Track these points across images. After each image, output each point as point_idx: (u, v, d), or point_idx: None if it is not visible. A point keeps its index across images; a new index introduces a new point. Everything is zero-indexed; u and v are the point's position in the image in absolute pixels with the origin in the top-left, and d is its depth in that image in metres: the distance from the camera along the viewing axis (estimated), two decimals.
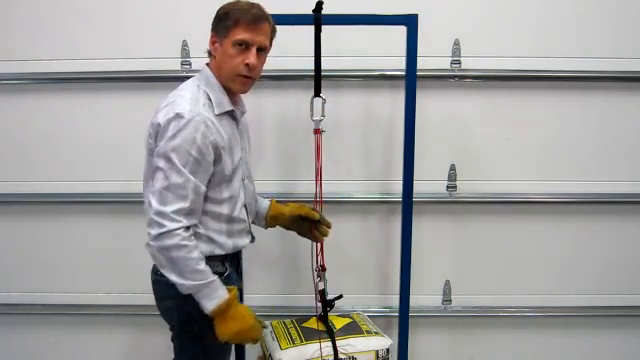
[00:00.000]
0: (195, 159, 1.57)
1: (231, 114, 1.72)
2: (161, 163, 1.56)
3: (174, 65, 2.31)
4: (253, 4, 1.67)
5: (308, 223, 1.96)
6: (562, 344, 2.55)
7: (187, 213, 1.58)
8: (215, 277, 1.63)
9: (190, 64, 2.30)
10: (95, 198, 2.42)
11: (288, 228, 2.00)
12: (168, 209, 1.55)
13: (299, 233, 2.01)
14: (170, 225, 1.55)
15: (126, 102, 2.35)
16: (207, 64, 1.73)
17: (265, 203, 2.00)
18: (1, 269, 2.52)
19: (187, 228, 1.58)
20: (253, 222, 1.94)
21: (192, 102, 1.60)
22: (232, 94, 1.73)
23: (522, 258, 2.47)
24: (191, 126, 1.55)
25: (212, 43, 1.67)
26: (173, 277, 1.59)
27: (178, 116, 1.55)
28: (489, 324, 2.52)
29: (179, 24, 2.30)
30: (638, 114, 2.37)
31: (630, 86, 2.35)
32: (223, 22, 1.64)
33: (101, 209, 2.45)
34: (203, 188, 1.61)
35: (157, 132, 1.59)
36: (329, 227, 1.96)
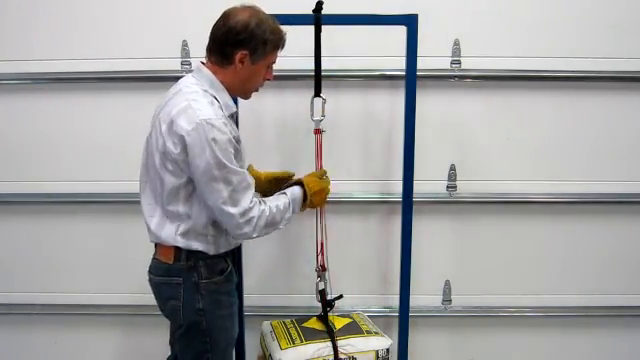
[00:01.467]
0: (234, 153, 1.63)
1: (234, 115, 1.76)
2: (214, 172, 1.58)
3: (174, 65, 2.31)
4: (275, 20, 1.69)
5: (280, 183, 1.99)
6: (562, 344, 2.55)
7: (254, 194, 1.68)
8: (287, 194, 1.79)
9: (190, 64, 2.30)
10: (95, 198, 2.42)
11: (264, 193, 1.98)
12: (245, 205, 1.64)
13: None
14: (255, 213, 1.66)
15: (126, 102, 2.35)
16: (202, 63, 1.72)
17: None
18: (1, 269, 2.52)
19: (259, 202, 1.70)
20: None
21: (210, 106, 1.61)
22: (231, 94, 1.74)
23: (522, 258, 2.47)
24: (221, 127, 1.59)
25: (240, 59, 1.65)
26: (278, 228, 1.76)
27: (207, 122, 1.57)
28: (489, 324, 2.52)
29: (179, 24, 2.30)
30: (638, 114, 2.37)
31: (630, 86, 2.35)
32: (264, 46, 1.65)
33: (101, 209, 2.45)
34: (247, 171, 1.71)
35: (183, 142, 1.58)
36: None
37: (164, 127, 1.62)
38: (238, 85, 1.72)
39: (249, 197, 1.65)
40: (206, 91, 1.66)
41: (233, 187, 1.61)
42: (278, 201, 1.76)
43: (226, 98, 1.70)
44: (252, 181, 1.69)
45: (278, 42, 1.69)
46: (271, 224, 1.72)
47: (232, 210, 1.62)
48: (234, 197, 1.62)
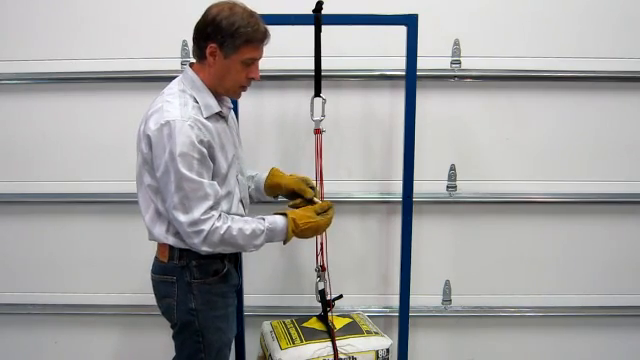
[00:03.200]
0: (198, 160, 1.58)
1: (219, 114, 1.72)
2: (169, 175, 1.56)
3: (174, 65, 2.31)
4: (253, 14, 1.64)
5: (295, 196, 1.90)
6: (562, 344, 2.55)
7: (212, 207, 1.61)
8: (264, 221, 1.70)
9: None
10: (95, 198, 2.42)
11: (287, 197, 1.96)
12: (196, 215, 1.58)
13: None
14: (206, 226, 1.59)
15: (126, 102, 2.35)
16: (190, 65, 1.72)
17: (263, 175, 1.98)
18: (1, 269, 2.52)
19: (219, 216, 1.63)
20: (258, 200, 1.98)
21: (180, 107, 1.60)
22: (217, 94, 1.72)
23: (522, 258, 2.47)
24: (185, 130, 1.56)
25: (210, 53, 1.63)
26: (246, 251, 1.71)
27: (169, 123, 1.56)
28: (489, 324, 2.52)
29: (179, 24, 2.29)
30: (637, 114, 2.37)
31: (630, 86, 2.35)
32: (232, 39, 1.61)
33: (101, 209, 2.45)
34: (214, 182, 1.64)
35: (150, 142, 1.59)
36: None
37: (141, 127, 1.64)
38: (216, 81, 1.68)
39: (202, 208, 1.58)
40: (184, 91, 1.65)
41: (185, 194, 1.56)
42: (248, 224, 1.67)
43: (207, 98, 1.67)
44: (212, 192, 1.61)
45: (251, 35, 1.61)
46: (230, 244, 1.64)
47: (181, 217, 1.58)
48: (185, 204, 1.57)
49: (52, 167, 2.41)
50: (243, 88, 1.73)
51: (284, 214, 1.76)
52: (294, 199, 1.90)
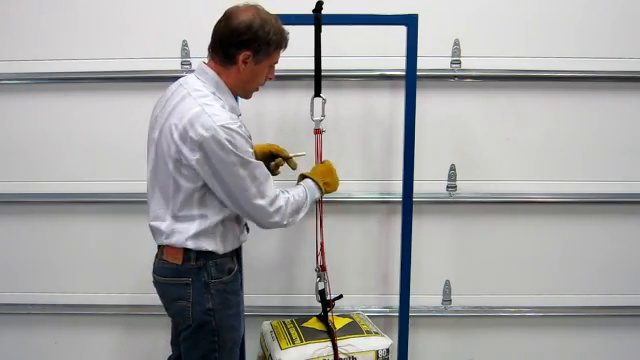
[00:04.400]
0: (253, 153, 1.67)
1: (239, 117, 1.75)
2: (239, 173, 1.61)
3: (174, 65, 2.31)
4: (277, 18, 1.68)
5: (272, 159, 2.03)
6: (562, 344, 2.55)
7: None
8: (300, 185, 1.86)
9: (190, 64, 2.30)
10: (95, 198, 2.42)
11: None
12: (271, 194, 1.70)
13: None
14: (281, 201, 1.73)
15: (126, 102, 2.35)
16: (205, 63, 1.70)
17: None
18: (1, 269, 2.52)
19: (281, 191, 1.76)
20: None
21: (223, 110, 1.62)
22: (234, 95, 1.75)
23: (522, 258, 2.48)
24: (238, 130, 1.60)
25: (243, 60, 1.64)
26: (303, 214, 1.82)
27: (224, 127, 1.57)
28: (489, 324, 2.52)
29: (179, 24, 2.30)
30: (637, 114, 2.37)
31: (630, 86, 2.35)
32: (267, 47, 1.65)
33: (101, 209, 2.45)
34: None
35: (202, 147, 1.57)
36: (294, 167, 2.03)
37: (176, 134, 1.59)
38: (240, 85, 1.72)
39: (272, 186, 1.70)
40: (214, 94, 1.66)
41: (259, 181, 1.65)
42: (297, 189, 1.82)
43: (231, 101, 1.70)
44: (268, 173, 1.73)
45: (281, 42, 1.69)
46: (296, 211, 1.78)
47: (261, 202, 1.67)
48: (261, 189, 1.66)
49: (52, 167, 2.41)
50: (258, 89, 1.78)
51: (300, 177, 1.91)
52: (268, 167, 1.97)
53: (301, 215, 1.81)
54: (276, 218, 1.71)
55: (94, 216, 2.46)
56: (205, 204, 1.66)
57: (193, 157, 1.58)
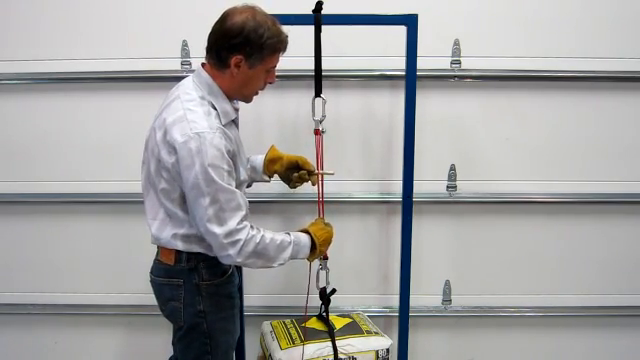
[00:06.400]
0: (227, 172, 1.57)
1: (235, 120, 1.73)
2: (201, 189, 1.53)
3: (174, 65, 2.31)
4: (275, 21, 1.63)
5: (297, 170, 1.96)
6: (561, 344, 2.55)
7: (244, 217, 1.61)
8: (290, 235, 1.72)
9: (190, 64, 2.30)
10: (95, 198, 2.42)
11: (283, 175, 1.99)
12: (232, 225, 1.57)
13: (286, 180, 2.01)
14: (242, 236, 1.58)
15: (126, 102, 2.35)
16: (202, 65, 1.68)
17: (259, 156, 2.00)
18: (1, 269, 2.52)
19: (251, 226, 1.63)
20: (254, 180, 1.99)
21: (205, 116, 1.57)
22: (231, 98, 1.71)
23: (522, 258, 2.48)
24: (215, 142, 1.53)
25: (236, 64, 1.60)
26: (272, 265, 1.68)
27: (199, 136, 1.52)
28: (489, 324, 2.52)
29: (179, 24, 2.30)
30: (637, 114, 2.37)
31: (630, 86, 2.35)
32: (260, 51, 1.59)
33: (101, 209, 2.45)
34: (242, 193, 1.65)
35: (176, 152, 1.55)
36: (314, 184, 1.95)
37: (159, 135, 1.59)
38: (236, 90, 1.67)
39: (237, 218, 1.57)
40: (203, 98, 1.61)
41: (220, 205, 1.54)
42: (277, 235, 1.68)
43: (225, 105, 1.65)
44: (244, 202, 1.62)
45: (277, 46, 1.62)
46: (261, 255, 1.63)
47: (216, 229, 1.55)
48: (220, 216, 1.55)
49: (53, 167, 2.41)
50: (257, 93, 1.74)
51: (304, 230, 1.78)
52: (289, 177, 1.95)
53: (271, 265, 1.67)
54: (230, 251, 1.57)
55: (94, 216, 2.46)
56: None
57: (170, 160, 1.57)
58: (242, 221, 1.59)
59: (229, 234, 1.56)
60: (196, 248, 1.67)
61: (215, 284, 1.71)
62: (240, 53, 1.59)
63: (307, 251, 1.75)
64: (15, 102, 2.38)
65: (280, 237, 1.68)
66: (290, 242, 1.70)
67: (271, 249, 1.65)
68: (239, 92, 1.69)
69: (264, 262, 1.66)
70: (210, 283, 1.70)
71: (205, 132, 1.53)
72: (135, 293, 2.45)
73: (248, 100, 1.75)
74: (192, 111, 1.57)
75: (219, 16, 1.65)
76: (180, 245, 1.67)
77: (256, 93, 1.74)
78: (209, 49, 1.65)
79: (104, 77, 2.33)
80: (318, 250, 1.77)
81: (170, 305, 1.73)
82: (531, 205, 2.44)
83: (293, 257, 1.72)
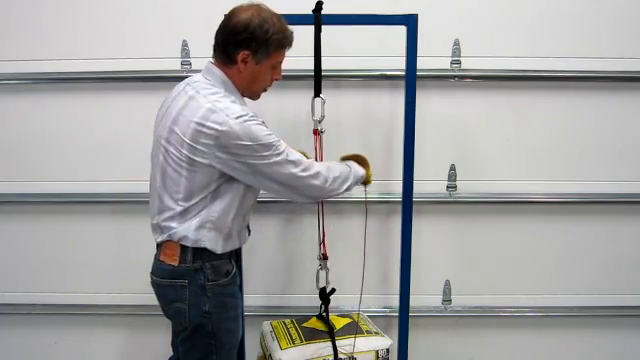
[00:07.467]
0: (274, 134, 1.65)
1: None
2: (270, 158, 1.61)
3: (174, 65, 2.31)
4: (280, 18, 1.66)
5: None
6: (561, 344, 2.55)
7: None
8: (345, 166, 1.88)
9: (190, 64, 2.30)
10: (95, 198, 2.42)
11: None
12: (304, 161, 1.68)
13: None
14: (315, 166, 1.71)
15: (126, 102, 2.35)
16: (213, 64, 1.69)
17: None
18: (2, 269, 2.52)
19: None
20: None
21: (233, 104, 1.61)
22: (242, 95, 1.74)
23: (522, 258, 2.48)
24: (253, 119, 1.60)
25: (242, 60, 1.64)
26: (347, 184, 1.82)
27: (239, 118, 1.57)
28: (489, 324, 2.52)
29: (179, 24, 2.30)
30: (637, 114, 2.37)
31: (630, 86, 2.35)
32: (266, 47, 1.63)
33: (101, 209, 2.45)
34: None
35: (220, 142, 1.56)
36: None
37: (189, 133, 1.58)
38: (244, 86, 1.70)
39: (298, 155, 1.69)
40: (224, 93, 1.65)
41: (288, 152, 1.65)
42: (334, 163, 1.84)
43: (240, 100, 1.69)
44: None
45: (282, 41, 1.66)
46: (337, 177, 1.77)
47: (295, 170, 1.65)
48: (294, 160, 1.65)
49: (52, 167, 2.41)
50: (265, 90, 1.77)
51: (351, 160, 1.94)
52: None
53: (342, 188, 1.80)
54: (317, 181, 1.70)
55: (94, 216, 2.46)
56: (214, 197, 1.64)
57: (209, 151, 1.57)
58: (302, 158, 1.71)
59: (306, 168, 1.68)
60: (204, 241, 1.65)
61: (220, 284, 1.71)
62: (247, 49, 1.63)
63: (361, 174, 1.89)
64: (15, 102, 2.38)
65: (339, 164, 1.86)
66: (344, 165, 1.87)
67: (337, 171, 1.79)
68: (247, 88, 1.72)
69: (342, 184, 1.79)
70: (215, 284, 1.70)
71: (241, 113, 1.58)
72: (135, 293, 2.45)
73: (255, 97, 1.77)
74: (219, 102, 1.60)
75: (222, 16, 1.66)
76: (190, 240, 1.64)
77: (264, 90, 1.77)
78: (216, 47, 1.67)
79: (104, 77, 2.33)
80: (369, 170, 1.93)
81: (174, 306, 1.71)
82: (531, 205, 2.44)
83: (355, 180, 1.86)
